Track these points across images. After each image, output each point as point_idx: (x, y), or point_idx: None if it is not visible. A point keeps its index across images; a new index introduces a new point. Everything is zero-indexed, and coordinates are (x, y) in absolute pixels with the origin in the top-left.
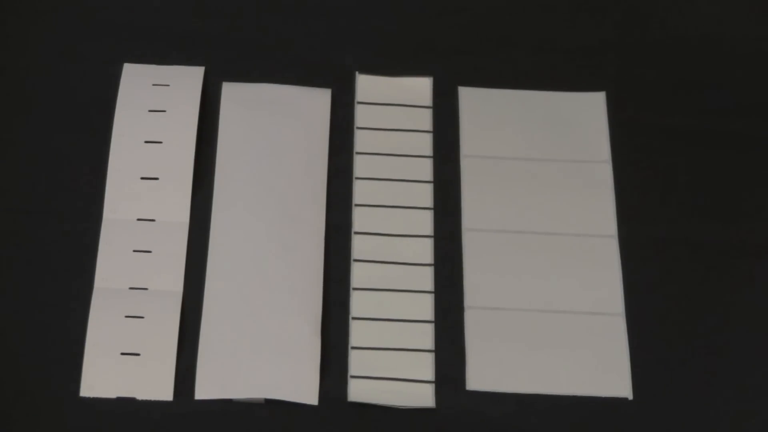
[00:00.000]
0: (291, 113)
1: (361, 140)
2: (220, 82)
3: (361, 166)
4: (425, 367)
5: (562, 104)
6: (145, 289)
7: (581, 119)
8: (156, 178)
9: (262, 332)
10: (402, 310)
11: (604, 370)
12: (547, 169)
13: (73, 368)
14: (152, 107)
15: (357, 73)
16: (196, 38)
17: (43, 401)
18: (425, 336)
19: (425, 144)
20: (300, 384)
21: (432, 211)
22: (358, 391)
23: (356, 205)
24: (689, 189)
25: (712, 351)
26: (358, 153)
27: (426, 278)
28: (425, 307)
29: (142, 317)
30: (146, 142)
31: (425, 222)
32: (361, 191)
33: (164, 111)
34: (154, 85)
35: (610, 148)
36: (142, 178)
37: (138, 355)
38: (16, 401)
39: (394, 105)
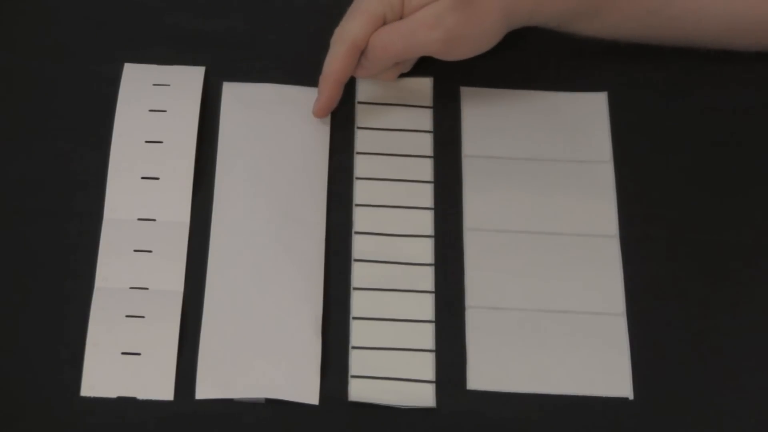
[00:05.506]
0: (291, 113)
1: (362, 140)
2: (221, 82)
3: (361, 166)
4: (426, 366)
5: (564, 104)
6: (146, 288)
7: (583, 119)
8: (156, 178)
9: (262, 332)
10: (403, 310)
11: (604, 370)
12: (548, 169)
13: (74, 368)
14: (153, 107)
15: None
16: (196, 38)
17: (43, 401)
18: (426, 336)
19: (425, 144)
20: (301, 384)
21: (432, 211)
22: (358, 391)
23: (357, 205)
24: (690, 189)
25: (712, 351)
26: (358, 153)
27: (427, 278)
28: (426, 306)
29: (142, 317)
30: (147, 142)
31: (426, 222)
32: (361, 191)
33: (165, 111)
34: (154, 85)
35: (611, 148)
36: (143, 178)
37: (138, 354)
38: (16, 401)
39: (394, 105)
